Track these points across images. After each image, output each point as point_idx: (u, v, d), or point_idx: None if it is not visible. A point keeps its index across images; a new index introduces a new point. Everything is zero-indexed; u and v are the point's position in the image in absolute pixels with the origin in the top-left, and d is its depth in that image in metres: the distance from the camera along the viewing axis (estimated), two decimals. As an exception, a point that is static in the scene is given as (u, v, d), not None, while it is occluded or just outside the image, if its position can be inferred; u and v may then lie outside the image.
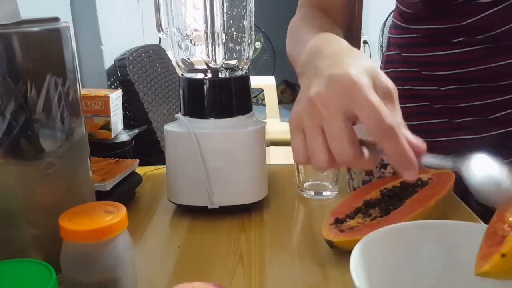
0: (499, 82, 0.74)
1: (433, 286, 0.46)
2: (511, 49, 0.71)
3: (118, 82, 1.46)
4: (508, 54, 0.72)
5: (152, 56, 1.70)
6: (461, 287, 0.45)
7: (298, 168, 0.72)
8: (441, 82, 0.78)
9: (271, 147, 0.80)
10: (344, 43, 0.49)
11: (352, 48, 0.47)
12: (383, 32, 2.88)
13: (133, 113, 1.45)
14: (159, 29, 0.69)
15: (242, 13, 0.67)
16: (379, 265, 0.44)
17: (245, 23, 0.68)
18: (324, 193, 0.72)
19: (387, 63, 0.87)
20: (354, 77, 0.39)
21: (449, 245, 0.46)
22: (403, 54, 0.82)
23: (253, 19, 0.69)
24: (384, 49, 0.91)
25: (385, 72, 0.87)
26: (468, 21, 0.71)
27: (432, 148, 0.83)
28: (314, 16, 0.75)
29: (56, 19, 0.46)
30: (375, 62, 0.94)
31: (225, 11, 0.66)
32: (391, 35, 0.86)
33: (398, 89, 0.87)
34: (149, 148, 1.46)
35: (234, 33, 0.68)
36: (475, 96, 0.76)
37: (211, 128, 0.64)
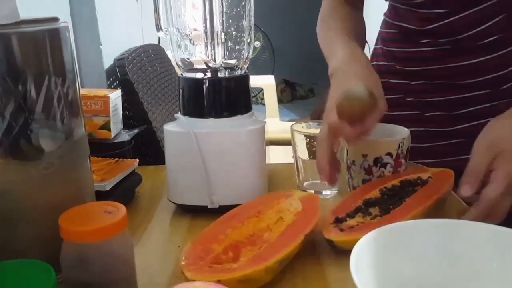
0: (462, 81, 0.78)
1: (433, 285, 0.46)
2: (471, 51, 0.76)
3: (117, 82, 1.46)
4: (468, 55, 0.76)
5: (151, 56, 1.70)
6: (461, 286, 0.45)
7: (298, 168, 0.72)
8: (411, 77, 0.83)
9: (270, 146, 0.79)
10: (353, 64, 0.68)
11: (353, 64, 0.67)
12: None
13: (133, 113, 1.45)
14: (158, 28, 0.69)
15: (242, 13, 0.67)
16: (379, 265, 0.44)
17: (245, 22, 0.68)
18: (324, 193, 0.72)
19: (373, 56, 0.93)
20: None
21: (449, 244, 0.47)
22: (383, 48, 0.88)
23: (253, 18, 0.69)
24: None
25: (371, 65, 0.94)
26: (432, 26, 0.77)
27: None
28: (339, 11, 0.83)
29: (55, 19, 0.46)
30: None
31: (224, 10, 0.66)
32: (380, 29, 0.92)
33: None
34: (148, 148, 1.46)
35: (234, 32, 0.68)
36: (441, 92, 0.81)
37: (211, 128, 0.64)
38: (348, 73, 0.66)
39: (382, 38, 0.90)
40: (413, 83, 0.84)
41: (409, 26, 0.81)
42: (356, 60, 0.67)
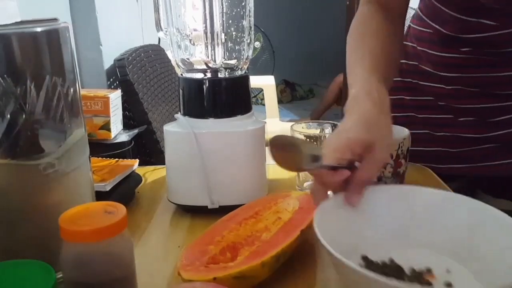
0: (502, 91, 0.76)
1: (391, 244, 0.50)
2: None
3: (117, 82, 1.46)
4: (510, 66, 0.74)
5: (151, 56, 1.70)
6: (416, 242, 0.50)
7: (297, 168, 0.72)
8: (447, 82, 0.79)
9: (270, 146, 0.79)
10: (363, 106, 0.56)
11: (363, 104, 0.56)
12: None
13: (133, 113, 1.45)
14: (159, 29, 0.69)
15: (242, 13, 0.67)
16: (341, 226, 0.49)
17: (245, 22, 0.68)
18: (324, 193, 0.72)
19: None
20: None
21: (407, 206, 0.52)
22: (418, 48, 0.83)
23: (253, 18, 0.69)
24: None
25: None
26: (475, 35, 0.73)
27: (437, 140, 0.86)
28: (373, 25, 0.72)
29: (55, 20, 0.46)
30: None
31: (224, 11, 0.66)
32: (412, 24, 0.86)
33: (403, 81, 0.88)
34: (148, 148, 1.46)
35: (234, 33, 0.68)
36: (477, 99, 0.78)
37: (211, 128, 0.64)
38: (351, 115, 0.55)
39: (415, 36, 0.84)
40: (448, 87, 0.79)
41: (447, 32, 0.76)
42: (368, 100, 0.57)
